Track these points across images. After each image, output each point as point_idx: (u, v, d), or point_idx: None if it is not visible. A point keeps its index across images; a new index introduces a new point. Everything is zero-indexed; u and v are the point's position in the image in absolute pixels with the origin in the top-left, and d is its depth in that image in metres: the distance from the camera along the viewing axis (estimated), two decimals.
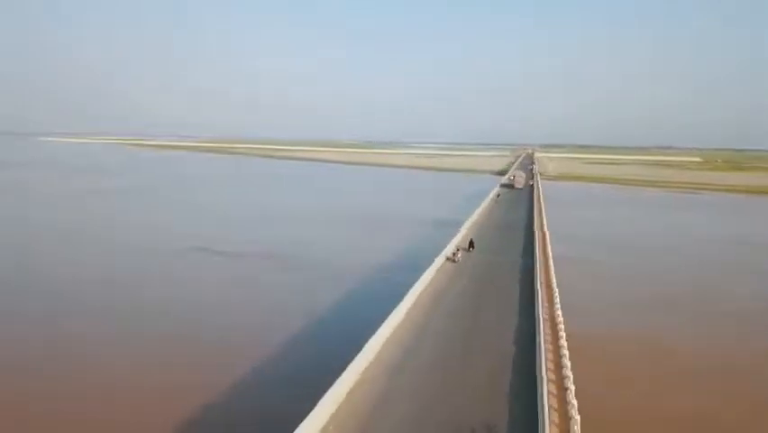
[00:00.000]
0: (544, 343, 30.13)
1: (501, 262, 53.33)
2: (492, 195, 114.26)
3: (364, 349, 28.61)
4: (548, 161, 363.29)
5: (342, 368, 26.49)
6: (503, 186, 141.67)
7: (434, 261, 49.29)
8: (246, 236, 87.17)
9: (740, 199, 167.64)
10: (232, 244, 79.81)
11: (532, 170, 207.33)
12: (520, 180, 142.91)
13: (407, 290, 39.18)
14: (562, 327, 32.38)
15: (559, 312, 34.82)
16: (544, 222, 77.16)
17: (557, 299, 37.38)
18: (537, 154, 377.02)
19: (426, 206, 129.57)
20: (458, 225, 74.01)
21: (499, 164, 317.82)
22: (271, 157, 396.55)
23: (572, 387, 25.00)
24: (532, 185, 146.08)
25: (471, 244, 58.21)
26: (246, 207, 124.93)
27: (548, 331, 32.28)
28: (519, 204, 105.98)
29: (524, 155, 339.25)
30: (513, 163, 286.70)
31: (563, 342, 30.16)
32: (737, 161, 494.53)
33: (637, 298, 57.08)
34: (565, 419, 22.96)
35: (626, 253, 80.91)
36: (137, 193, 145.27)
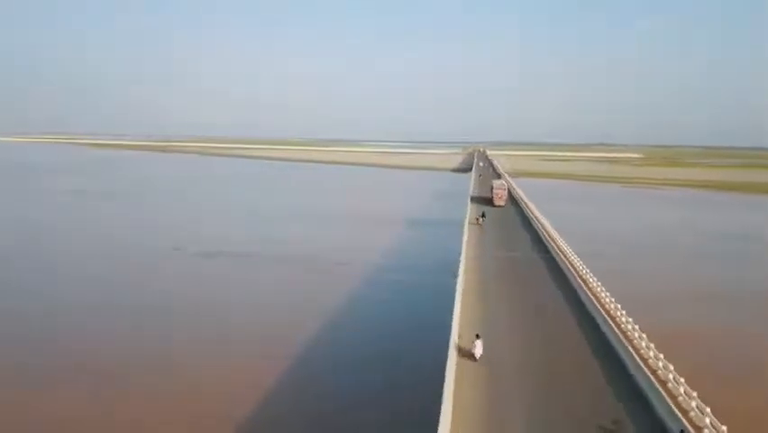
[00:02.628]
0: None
1: None
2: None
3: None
4: (502, 159, 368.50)
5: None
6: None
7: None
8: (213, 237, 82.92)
9: (705, 195, 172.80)
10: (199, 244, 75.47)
11: (499, 173, 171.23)
12: (501, 194, 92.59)
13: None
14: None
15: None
16: None
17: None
18: (489, 152, 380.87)
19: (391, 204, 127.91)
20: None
21: (455, 162, 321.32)
22: (226, 156, 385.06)
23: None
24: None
25: (483, 214, 75.31)
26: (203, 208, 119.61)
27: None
28: None
29: (477, 153, 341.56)
30: (469, 161, 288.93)
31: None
32: (673, 157, 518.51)
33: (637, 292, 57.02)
34: None
35: (611, 247, 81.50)
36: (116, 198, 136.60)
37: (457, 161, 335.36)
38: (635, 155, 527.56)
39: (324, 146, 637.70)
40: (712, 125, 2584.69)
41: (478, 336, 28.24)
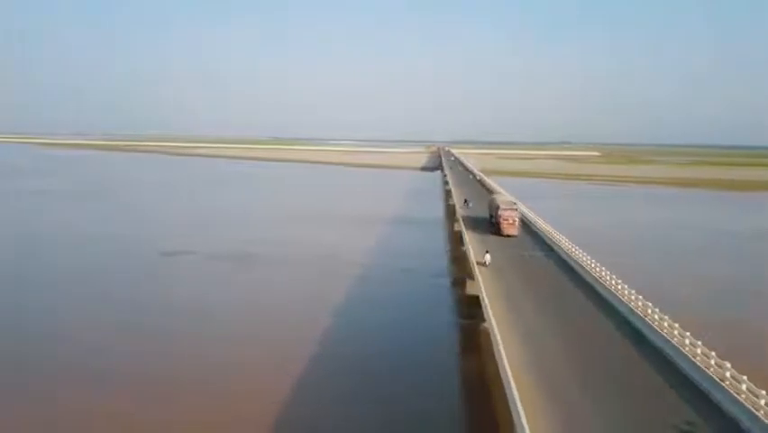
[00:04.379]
0: None
1: None
2: None
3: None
4: (471, 159, 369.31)
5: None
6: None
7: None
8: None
9: (671, 192, 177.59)
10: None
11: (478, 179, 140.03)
12: (513, 218, 59.71)
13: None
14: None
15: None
16: None
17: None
18: (453, 151, 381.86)
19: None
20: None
21: (422, 160, 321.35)
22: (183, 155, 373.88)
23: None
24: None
25: (467, 201, 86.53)
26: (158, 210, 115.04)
27: None
28: None
29: (443, 152, 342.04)
30: (435, 160, 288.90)
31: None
32: (630, 155, 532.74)
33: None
34: None
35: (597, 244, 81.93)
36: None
37: (422, 159, 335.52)
38: (593, 153, 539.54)
39: (288, 144, 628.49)
40: (664, 125, 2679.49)
41: (487, 252, 46.62)
